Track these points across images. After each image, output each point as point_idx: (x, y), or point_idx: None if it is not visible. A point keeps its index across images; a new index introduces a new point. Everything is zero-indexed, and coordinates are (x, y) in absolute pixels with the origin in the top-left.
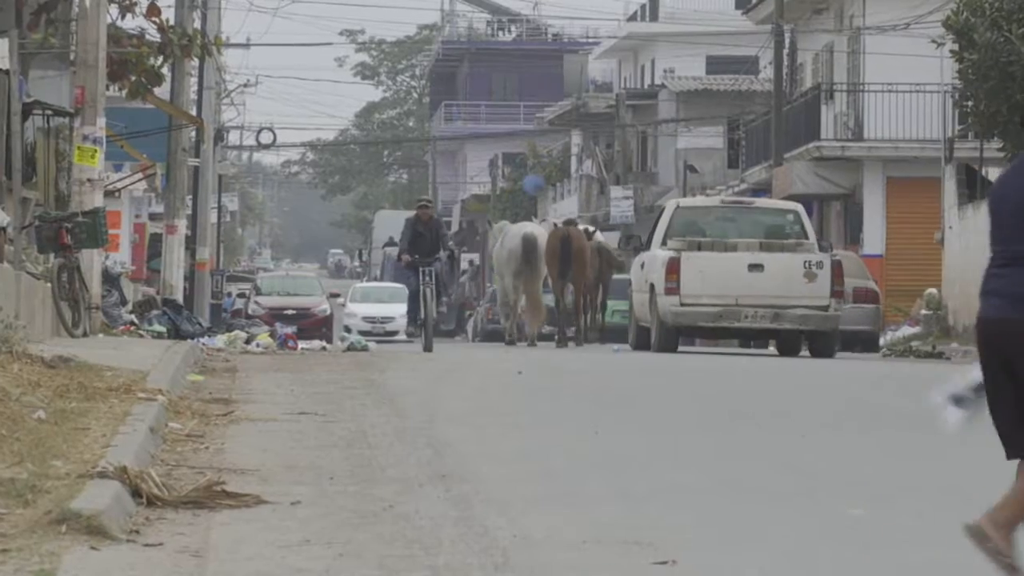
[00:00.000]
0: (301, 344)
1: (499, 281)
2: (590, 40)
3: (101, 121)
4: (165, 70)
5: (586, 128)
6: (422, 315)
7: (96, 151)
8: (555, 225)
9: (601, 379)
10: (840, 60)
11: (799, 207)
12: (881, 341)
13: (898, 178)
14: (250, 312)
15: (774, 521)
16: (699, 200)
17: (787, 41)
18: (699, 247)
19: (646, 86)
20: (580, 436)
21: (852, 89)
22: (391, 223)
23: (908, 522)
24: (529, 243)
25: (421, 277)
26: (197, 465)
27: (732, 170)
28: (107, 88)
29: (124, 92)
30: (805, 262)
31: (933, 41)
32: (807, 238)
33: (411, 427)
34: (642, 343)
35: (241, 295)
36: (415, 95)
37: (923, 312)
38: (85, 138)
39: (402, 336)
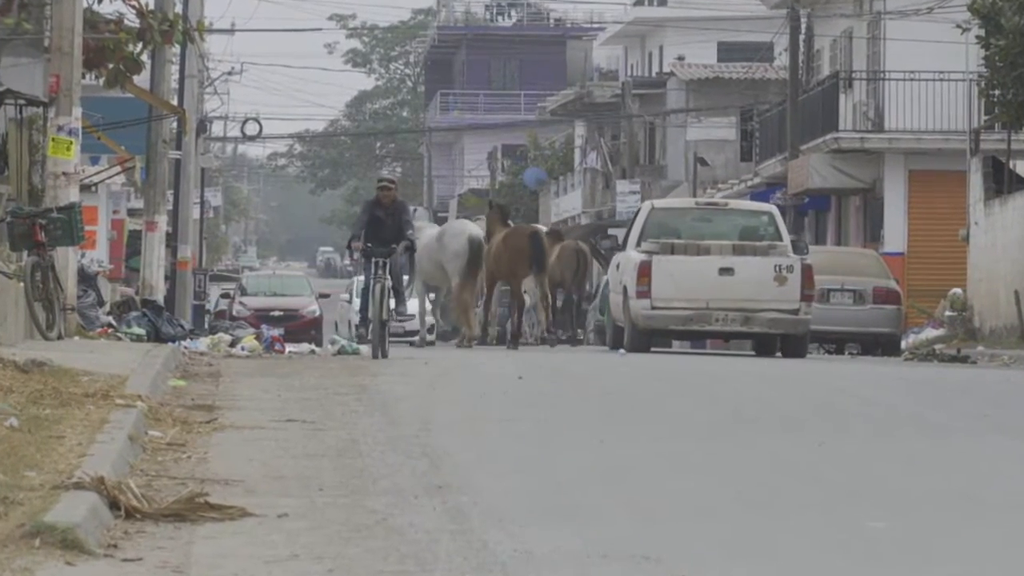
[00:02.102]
0: (289, 347)
1: (421, 282)
2: (595, 25)
3: (77, 111)
4: (145, 57)
5: (590, 119)
6: (370, 315)
7: (72, 143)
8: (493, 208)
9: (605, 384)
10: (859, 46)
11: (774, 208)
12: (903, 344)
13: (921, 171)
14: (235, 313)
15: (789, 534)
16: (674, 201)
17: (803, 26)
18: (672, 250)
19: (654, 74)
20: (584, 444)
21: (872, 77)
22: None
23: (930, 534)
24: (476, 245)
25: (373, 270)
26: (179, 475)
27: (745, 163)
28: (83, 76)
29: (101, 80)
30: (775, 266)
31: (958, 26)
32: (781, 240)
33: (405, 435)
34: (618, 343)
35: (225, 295)
36: (409, 84)
37: (947, 313)
38: (60, 129)
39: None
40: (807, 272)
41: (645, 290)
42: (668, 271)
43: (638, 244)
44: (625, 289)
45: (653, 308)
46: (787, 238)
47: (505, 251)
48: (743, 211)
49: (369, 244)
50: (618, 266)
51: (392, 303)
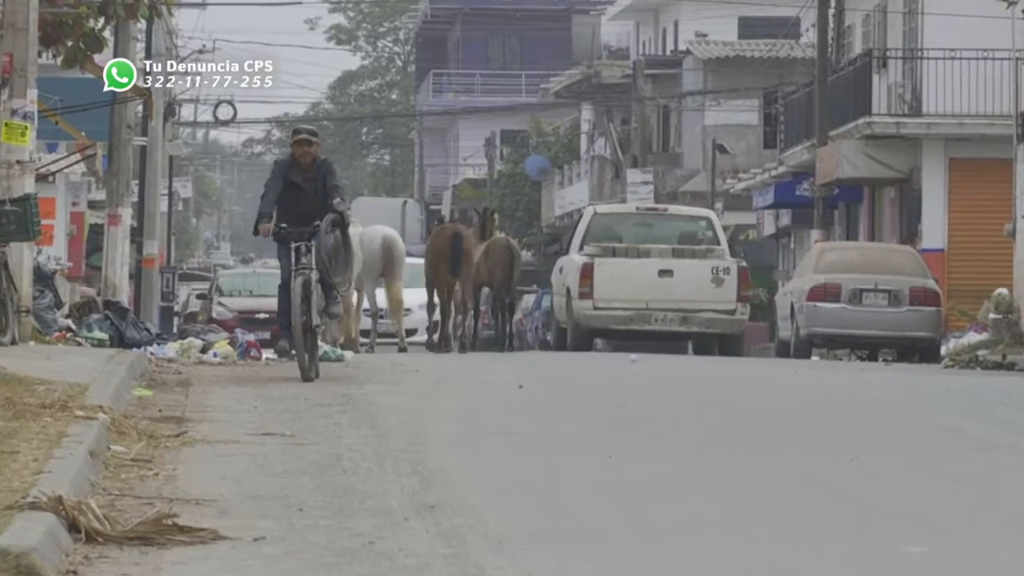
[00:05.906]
0: (266, 353)
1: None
2: None
3: (32, 93)
4: (107, 33)
5: (598, 102)
6: (293, 319)
7: (26, 128)
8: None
9: (612, 394)
10: (895, 22)
11: (712, 214)
12: (943, 349)
13: (962, 159)
14: (215, 316)
15: (817, 558)
16: (616, 207)
17: (833, 0)
18: (613, 253)
19: (668, 52)
20: (591, 459)
21: (909, 56)
22: (372, 212)
23: (975, 560)
24: (388, 245)
25: (293, 258)
26: (145, 495)
27: (768, 150)
28: (39, 55)
29: (59, 59)
30: (713, 268)
31: None
32: (719, 244)
33: (394, 450)
34: (561, 344)
35: (201, 296)
36: (399, 63)
37: (991, 316)
38: (14, 113)
39: (422, 335)
40: (743, 274)
41: (587, 291)
42: (609, 273)
43: (580, 248)
44: (568, 291)
45: (595, 308)
46: (724, 242)
47: (430, 253)
48: (682, 216)
49: (283, 225)
50: (561, 269)
51: (322, 302)
